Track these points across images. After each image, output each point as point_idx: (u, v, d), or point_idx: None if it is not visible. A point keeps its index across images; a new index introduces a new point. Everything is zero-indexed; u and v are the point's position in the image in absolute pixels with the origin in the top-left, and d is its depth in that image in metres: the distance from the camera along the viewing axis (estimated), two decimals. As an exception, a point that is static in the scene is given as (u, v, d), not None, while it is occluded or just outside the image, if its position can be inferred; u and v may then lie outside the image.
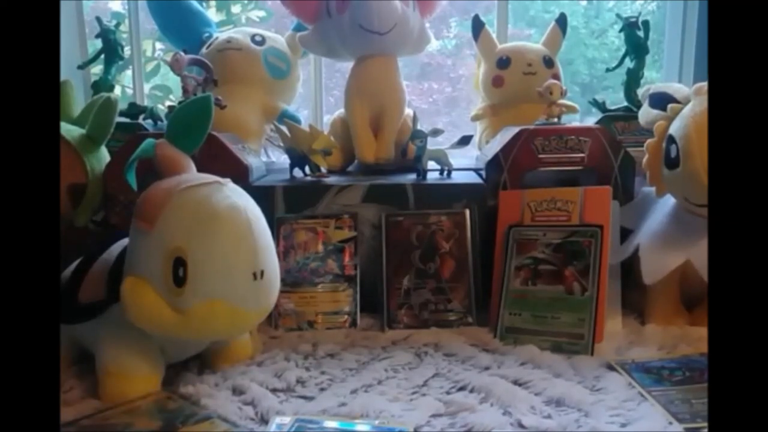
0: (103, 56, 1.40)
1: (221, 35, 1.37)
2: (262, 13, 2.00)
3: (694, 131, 0.88)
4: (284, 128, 1.13)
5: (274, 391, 0.77)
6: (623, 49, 1.35)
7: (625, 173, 1.07)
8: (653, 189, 1.01)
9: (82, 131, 1.09)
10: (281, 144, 1.19)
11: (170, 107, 1.15)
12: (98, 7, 1.95)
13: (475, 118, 1.40)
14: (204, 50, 1.35)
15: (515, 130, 1.08)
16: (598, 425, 0.67)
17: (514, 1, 1.70)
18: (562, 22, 1.36)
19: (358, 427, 0.66)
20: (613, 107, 1.35)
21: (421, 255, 1.01)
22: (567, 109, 1.20)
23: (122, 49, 1.41)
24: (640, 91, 1.13)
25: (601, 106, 1.35)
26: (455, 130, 1.79)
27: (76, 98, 1.18)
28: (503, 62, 1.33)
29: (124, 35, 1.56)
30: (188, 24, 1.40)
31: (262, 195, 0.94)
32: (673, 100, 0.96)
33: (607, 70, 1.40)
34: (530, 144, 1.06)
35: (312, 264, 1.01)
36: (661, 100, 0.98)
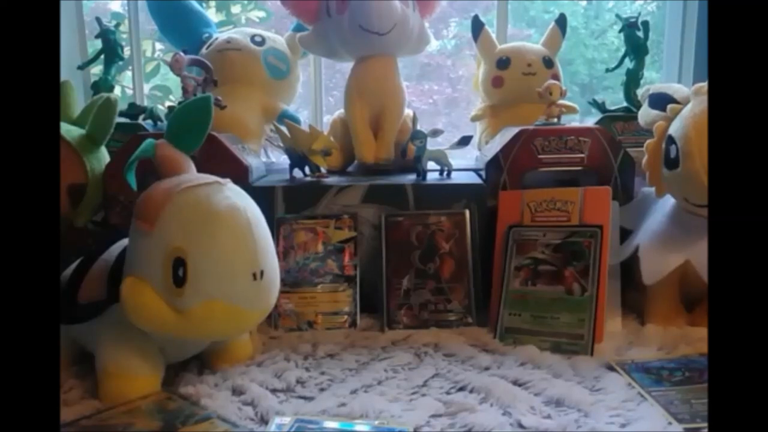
0: (102, 56, 1.40)
1: (221, 36, 1.38)
2: (261, 14, 2.00)
3: (693, 131, 0.88)
4: (284, 128, 1.13)
5: (274, 391, 0.77)
6: (623, 50, 1.35)
7: (625, 173, 1.07)
8: (653, 189, 1.01)
9: (82, 131, 1.09)
10: (281, 144, 1.19)
11: (170, 107, 1.16)
12: (98, 8, 1.96)
13: (475, 119, 1.40)
14: (204, 50, 1.35)
15: (515, 130, 1.08)
16: (598, 425, 0.67)
17: (514, 1, 1.71)
18: (561, 22, 1.36)
19: (358, 428, 0.66)
20: (612, 107, 1.35)
21: (421, 255, 1.01)
22: (567, 110, 1.20)
23: (122, 50, 1.41)
24: (639, 92, 1.13)
25: (600, 107, 1.35)
26: (455, 130, 1.79)
27: (76, 98, 1.18)
28: (503, 62, 1.33)
29: (124, 35, 1.56)
30: (188, 24, 1.40)
31: (262, 195, 0.95)
32: (673, 100, 0.96)
33: (607, 70, 1.40)
34: (530, 144, 1.06)
35: (312, 264, 1.01)
36: (660, 101, 0.98)
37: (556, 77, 1.29)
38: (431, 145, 1.12)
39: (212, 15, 1.75)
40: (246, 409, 0.72)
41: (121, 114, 1.29)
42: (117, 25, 1.41)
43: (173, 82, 1.87)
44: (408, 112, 1.24)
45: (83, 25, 1.55)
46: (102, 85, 1.37)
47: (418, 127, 1.11)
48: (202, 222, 0.69)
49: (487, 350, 0.89)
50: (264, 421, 0.70)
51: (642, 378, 0.77)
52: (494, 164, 1.07)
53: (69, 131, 1.07)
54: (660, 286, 0.95)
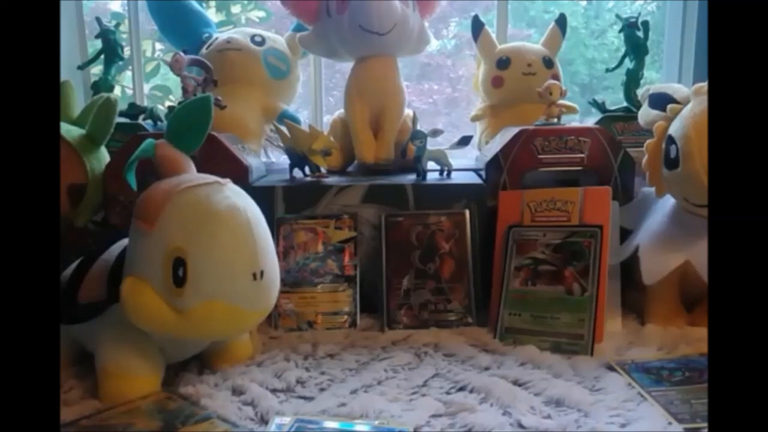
0: (102, 56, 1.40)
1: (221, 36, 1.38)
2: (261, 14, 2.00)
3: (693, 131, 0.88)
4: (284, 128, 1.13)
5: (274, 391, 0.77)
6: (623, 50, 1.35)
7: (625, 173, 1.07)
8: (653, 189, 1.01)
9: (82, 131, 1.09)
10: (281, 144, 1.19)
11: (170, 107, 1.16)
12: (98, 8, 1.96)
13: (475, 119, 1.40)
14: (204, 50, 1.35)
15: (515, 130, 1.08)
16: (598, 425, 0.67)
17: (514, 1, 1.70)
18: (561, 22, 1.36)
19: (358, 428, 0.66)
20: (612, 107, 1.35)
21: (421, 255, 1.01)
22: (567, 110, 1.20)
23: (122, 50, 1.41)
24: (639, 92, 1.13)
25: (600, 107, 1.35)
26: (455, 130, 1.79)
27: (76, 98, 1.18)
28: (503, 62, 1.33)
29: (124, 35, 1.56)
30: (188, 24, 1.40)
31: (262, 195, 0.95)
32: (673, 100, 0.96)
33: (607, 70, 1.40)
34: (530, 144, 1.06)
35: (312, 264, 1.01)
36: (660, 101, 0.98)
37: (556, 77, 1.29)
38: (431, 145, 1.12)
39: (212, 15, 1.75)
40: (246, 409, 0.72)
41: (121, 114, 1.29)
42: (117, 25, 1.41)
43: (173, 82, 1.87)
44: (408, 112, 1.24)
45: (83, 25, 1.55)
46: (102, 85, 1.37)
47: (418, 127, 1.11)
48: (202, 222, 0.69)
49: (487, 350, 0.89)
50: (264, 421, 0.70)
51: (642, 378, 0.77)
52: (494, 164, 1.07)
53: (69, 131, 1.07)
54: (660, 286, 0.95)
